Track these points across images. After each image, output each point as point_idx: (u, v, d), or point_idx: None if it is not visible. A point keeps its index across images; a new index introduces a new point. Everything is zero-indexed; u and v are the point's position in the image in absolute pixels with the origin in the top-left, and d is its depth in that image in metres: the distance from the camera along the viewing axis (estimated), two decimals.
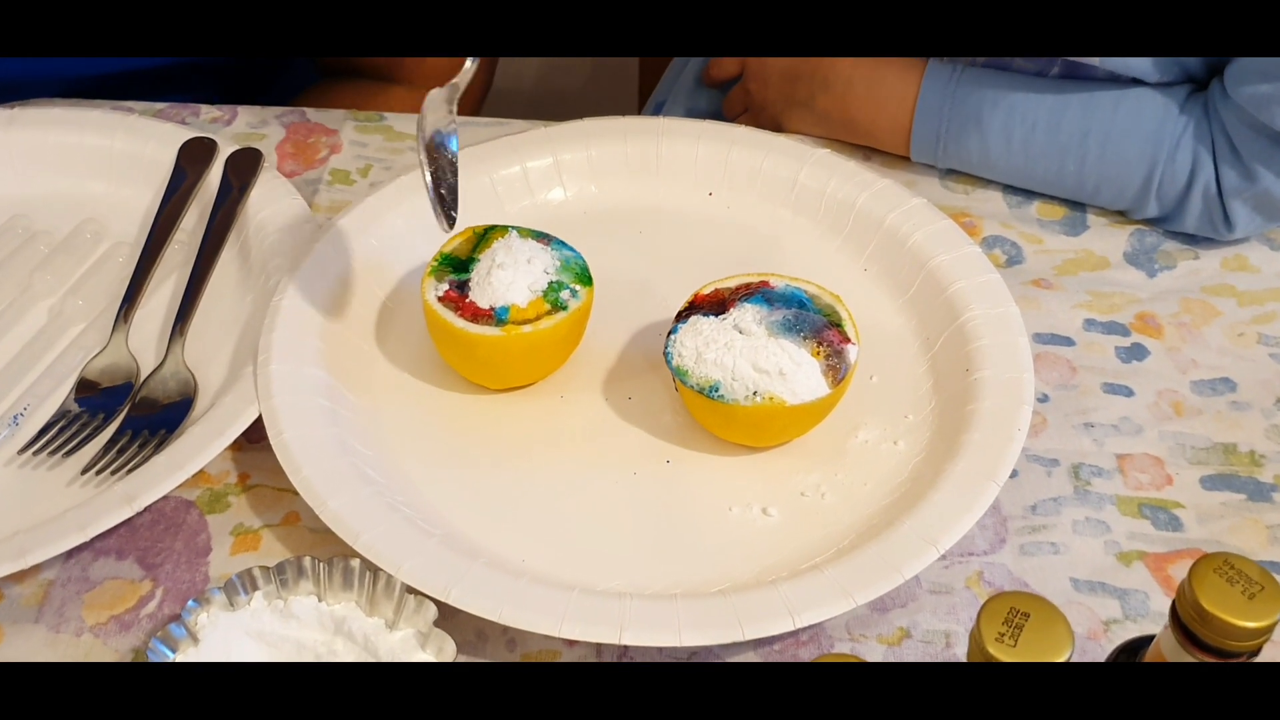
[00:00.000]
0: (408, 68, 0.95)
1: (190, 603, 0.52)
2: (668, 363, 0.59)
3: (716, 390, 0.58)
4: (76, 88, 0.82)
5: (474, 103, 1.02)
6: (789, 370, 0.57)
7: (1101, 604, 0.57)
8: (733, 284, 0.62)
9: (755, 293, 0.61)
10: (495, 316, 0.60)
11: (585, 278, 0.63)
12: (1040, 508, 0.60)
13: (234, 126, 0.79)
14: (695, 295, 0.62)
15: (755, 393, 0.57)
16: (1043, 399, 0.65)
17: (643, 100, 1.25)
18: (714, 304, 0.61)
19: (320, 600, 0.53)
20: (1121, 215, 0.74)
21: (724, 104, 0.86)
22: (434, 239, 0.69)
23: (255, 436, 0.60)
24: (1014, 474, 0.60)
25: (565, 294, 0.61)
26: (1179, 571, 0.58)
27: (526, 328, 0.60)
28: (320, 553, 0.57)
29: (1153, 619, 0.56)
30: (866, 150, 0.77)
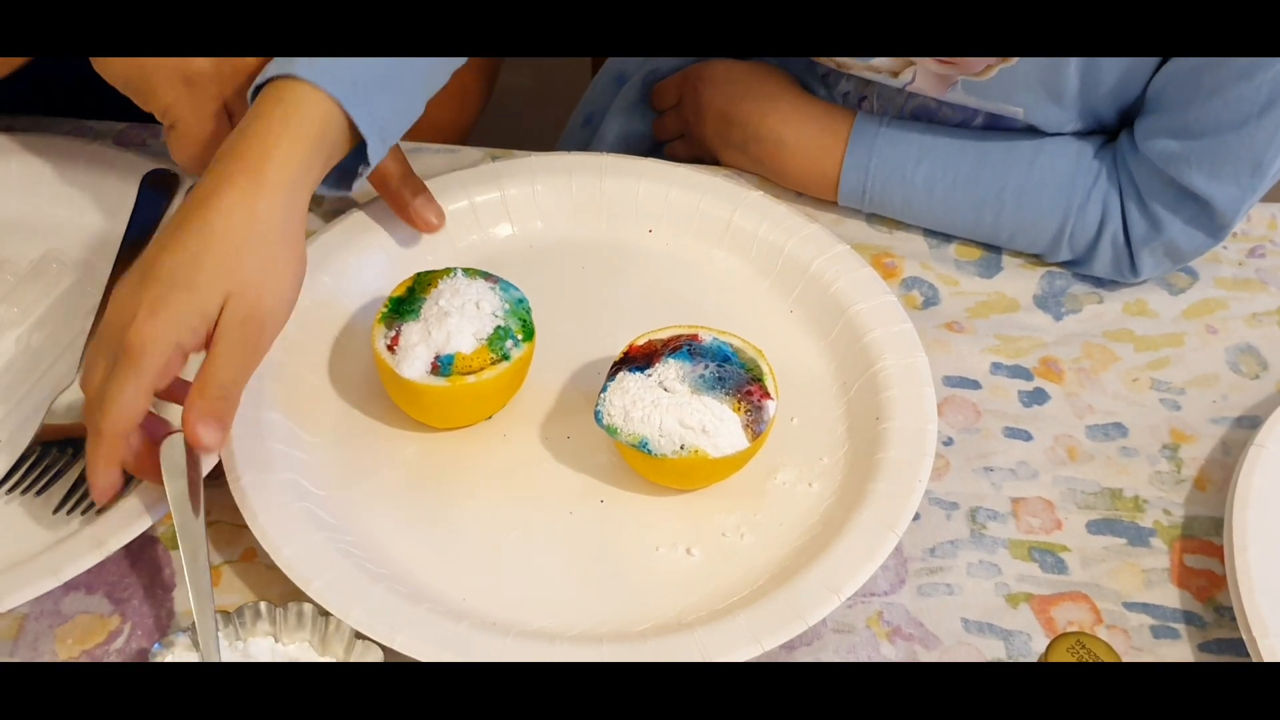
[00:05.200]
0: None
1: (155, 645, 0.57)
2: (598, 422, 0.63)
3: (646, 445, 0.62)
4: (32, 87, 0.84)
5: (473, 119, 1.05)
6: (711, 426, 0.62)
7: (988, 644, 0.63)
8: (665, 335, 0.67)
9: (682, 347, 0.65)
10: (440, 365, 0.65)
11: (528, 329, 0.67)
12: (939, 550, 0.66)
13: None
14: (630, 346, 0.67)
15: (682, 446, 0.62)
16: (948, 442, 0.70)
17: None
18: (644, 356, 0.65)
19: (276, 640, 0.58)
20: (1036, 257, 0.79)
21: (655, 126, 0.90)
22: (383, 275, 0.73)
23: (215, 473, 0.64)
24: (917, 516, 0.66)
25: (509, 343, 0.66)
26: (1060, 613, 0.64)
27: (471, 378, 0.65)
28: (275, 589, 0.62)
29: (1033, 659, 0.62)
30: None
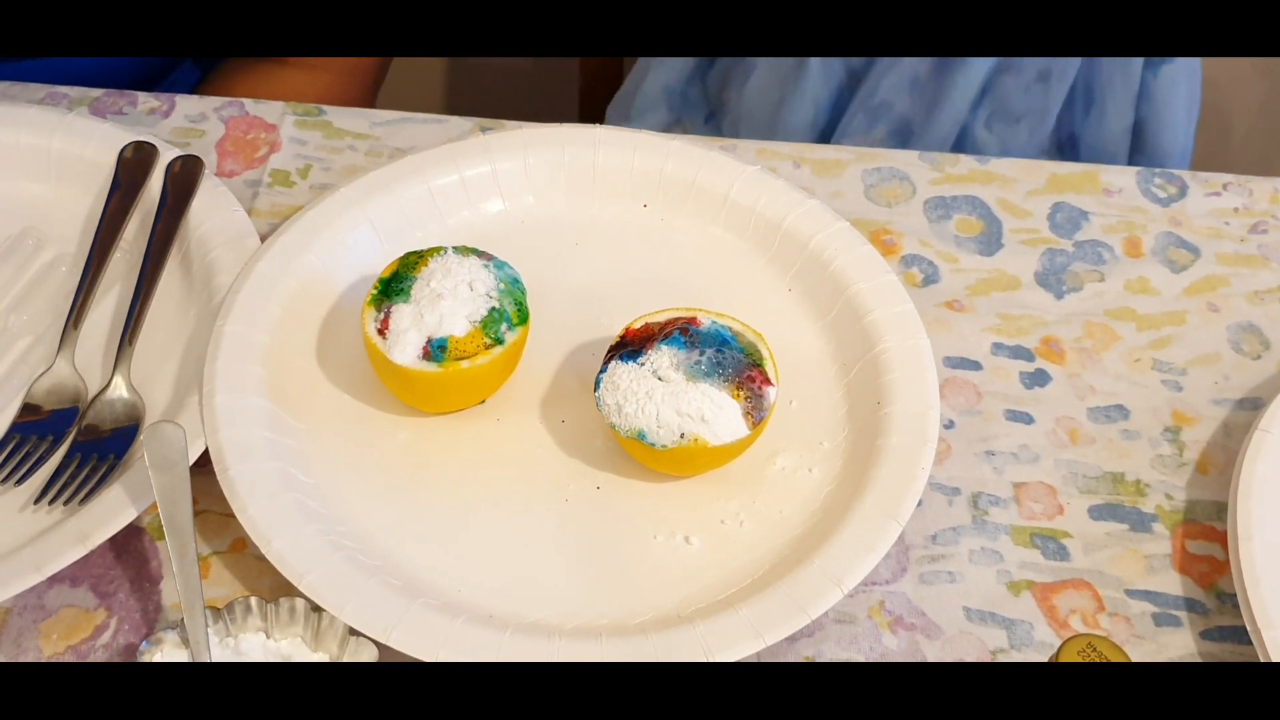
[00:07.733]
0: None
1: (144, 643, 0.55)
2: (601, 411, 0.62)
3: (644, 436, 0.61)
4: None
5: (371, 87, 1.02)
6: (710, 415, 0.61)
7: (990, 634, 0.62)
8: (662, 318, 0.65)
9: (675, 332, 0.63)
10: (432, 349, 0.63)
11: (523, 311, 0.65)
12: (940, 537, 0.65)
13: (172, 119, 0.80)
14: (626, 329, 0.65)
15: (681, 435, 0.61)
16: (949, 425, 0.69)
17: (583, 92, 1.24)
18: (640, 341, 0.64)
19: (268, 637, 0.57)
20: (1034, 233, 0.78)
21: None
22: (372, 254, 0.71)
23: (202, 461, 0.62)
24: (919, 503, 0.65)
25: (503, 326, 0.64)
26: (1063, 601, 0.63)
27: (464, 363, 0.63)
28: (265, 581, 0.61)
29: (1036, 648, 0.61)
30: (796, 159, 0.80)
